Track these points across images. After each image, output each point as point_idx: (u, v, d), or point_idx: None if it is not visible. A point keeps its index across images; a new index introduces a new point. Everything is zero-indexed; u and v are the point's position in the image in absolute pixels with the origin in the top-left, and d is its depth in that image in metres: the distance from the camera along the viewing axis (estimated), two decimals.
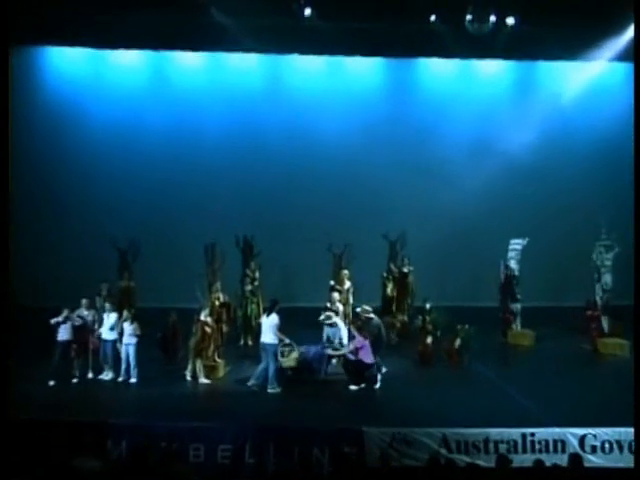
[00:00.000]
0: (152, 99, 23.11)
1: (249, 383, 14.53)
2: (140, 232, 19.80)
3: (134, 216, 22.05)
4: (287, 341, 15.01)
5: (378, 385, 14.73)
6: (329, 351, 15.06)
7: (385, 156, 22.80)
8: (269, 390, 14.38)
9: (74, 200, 22.57)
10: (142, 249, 19.34)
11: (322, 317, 15.89)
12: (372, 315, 15.57)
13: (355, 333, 15.10)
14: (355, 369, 14.76)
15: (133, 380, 15.02)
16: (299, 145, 22.82)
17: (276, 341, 14.59)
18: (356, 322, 15.64)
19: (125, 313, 15.34)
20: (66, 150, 22.70)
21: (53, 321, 14.74)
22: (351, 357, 14.80)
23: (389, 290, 19.47)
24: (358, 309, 15.94)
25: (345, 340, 15.57)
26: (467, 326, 16.62)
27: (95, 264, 20.22)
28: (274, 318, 14.66)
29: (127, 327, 15.11)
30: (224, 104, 23.04)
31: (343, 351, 15.04)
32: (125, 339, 15.13)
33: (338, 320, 15.91)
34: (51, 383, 14.57)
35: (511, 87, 23.74)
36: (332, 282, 17.72)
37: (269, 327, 14.62)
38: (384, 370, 15.16)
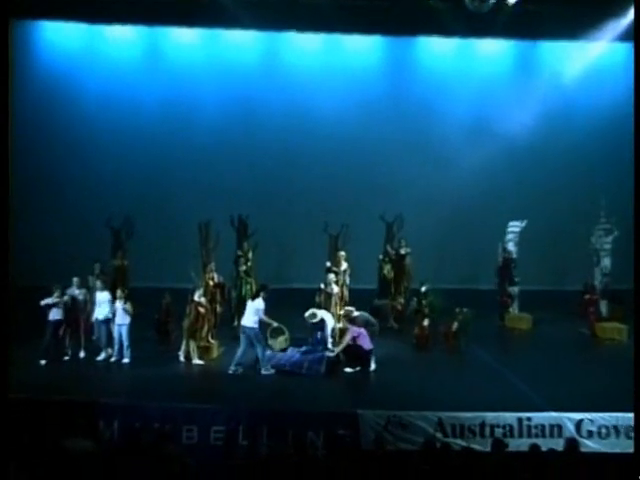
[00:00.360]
0: (148, 75, 23.00)
1: (230, 369, 14.45)
2: (134, 210, 19.72)
3: (128, 193, 22.01)
4: (275, 325, 15.07)
5: (373, 367, 14.72)
6: (329, 354, 14.92)
7: (383, 135, 22.74)
8: (263, 372, 14.36)
9: (67, 177, 22.53)
10: (136, 227, 19.23)
11: (307, 314, 15.67)
12: (356, 313, 15.63)
13: (348, 326, 15.06)
14: (353, 354, 14.75)
15: (126, 360, 15.00)
16: (296, 123, 22.73)
17: (256, 325, 14.54)
18: (345, 320, 15.59)
19: (118, 292, 15.27)
20: (60, 126, 22.59)
21: (43, 302, 14.69)
22: (350, 342, 14.79)
23: (386, 272, 19.41)
24: (341, 312, 16.00)
25: (329, 332, 15.55)
26: (464, 309, 16.60)
27: (88, 242, 20.15)
28: (259, 302, 14.61)
29: (120, 307, 15.05)
30: (220, 80, 22.93)
31: (341, 348, 14.90)
32: (118, 319, 15.08)
33: (324, 314, 15.78)
34: (42, 362, 14.55)
35: (511, 66, 23.62)
36: (328, 263, 17.66)
37: (252, 311, 14.58)
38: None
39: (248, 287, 18.08)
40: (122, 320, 15.05)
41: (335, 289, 16.78)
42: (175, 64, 22.93)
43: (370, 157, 22.72)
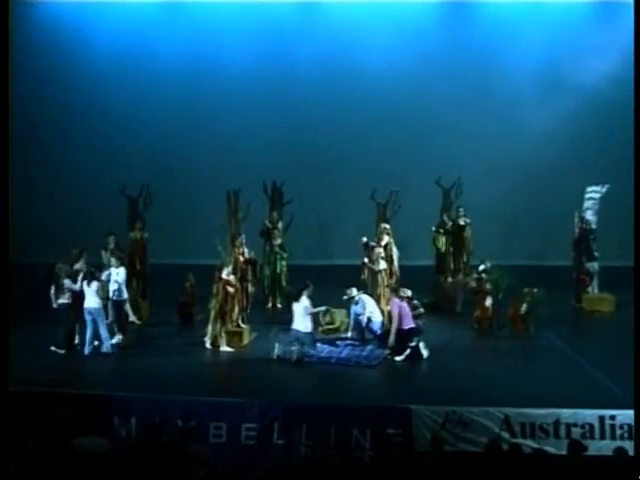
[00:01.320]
0: (166, 27, 22.82)
1: (275, 354, 14.56)
2: (152, 177, 19.69)
3: (145, 159, 22.05)
4: (323, 308, 15.25)
5: (426, 354, 14.62)
6: (384, 351, 14.90)
7: (440, 90, 22.48)
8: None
9: (77, 142, 22.58)
10: (155, 196, 19.24)
11: (345, 297, 15.83)
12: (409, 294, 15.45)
13: (392, 297, 15.12)
14: (400, 338, 14.65)
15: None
16: (337, 78, 22.52)
17: (309, 329, 14.65)
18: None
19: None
20: (67, 84, 22.56)
21: (58, 303, 14.75)
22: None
23: (441, 246, 19.25)
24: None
25: (376, 314, 15.60)
26: (534, 289, 16.39)
27: (100, 215, 20.30)
28: (305, 301, 14.65)
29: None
30: (249, 31, 22.69)
31: (393, 337, 14.80)
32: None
33: (362, 295, 15.80)
34: (61, 352, 14.64)
35: (591, 6, 23.06)
36: (365, 238, 17.46)
37: (301, 313, 14.62)
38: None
39: (284, 263, 18.05)
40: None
41: (382, 265, 16.64)
42: (198, 15, 22.77)
43: (424, 115, 22.48)
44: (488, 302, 16.51)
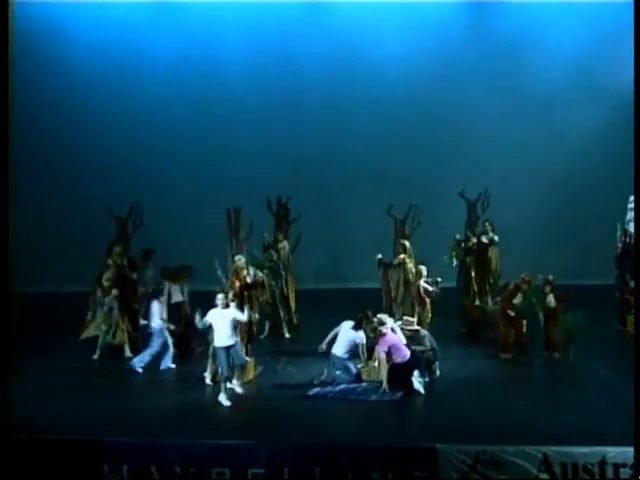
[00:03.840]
0: (158, 24, 23.09)
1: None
2: (143, 195, 19.78)
3: (135, 175, 22.12)
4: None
5: (422, 390, 14.54)
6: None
7: (463, 92, 22.70)
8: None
9: (57, 155, 22.66)
10: (145, 216, 19.32)
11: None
12: (416, 327, 15.62)
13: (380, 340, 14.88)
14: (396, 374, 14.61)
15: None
16: (347, 77, 22.75)
17: (347, 355, 14.91)
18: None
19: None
20: (48, 87, 22.72)
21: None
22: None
23: (466, 265, 19.25)
24: (398, 323, 15.83)
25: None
26: (573, 311, 16.29)
27: (87, 238, 20.36)
28: (361, 336, 14.91)
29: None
30: (249, 28, 22.91)
31: (385, 385, 14.64)
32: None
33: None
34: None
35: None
36: (379, 255, 17.48)
37: (348, 342, 14.88)
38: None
39: (291, 287, 18.12)
40: None
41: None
42: (192, 12, 22.92)
43: (446, 121, 22.64)
44: (523, 328, 16.49)
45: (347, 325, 15.03)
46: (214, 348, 14.52)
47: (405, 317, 16.01)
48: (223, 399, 14.02)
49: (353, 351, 14.92)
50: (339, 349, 14.89)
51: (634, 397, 11.16)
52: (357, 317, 15.06)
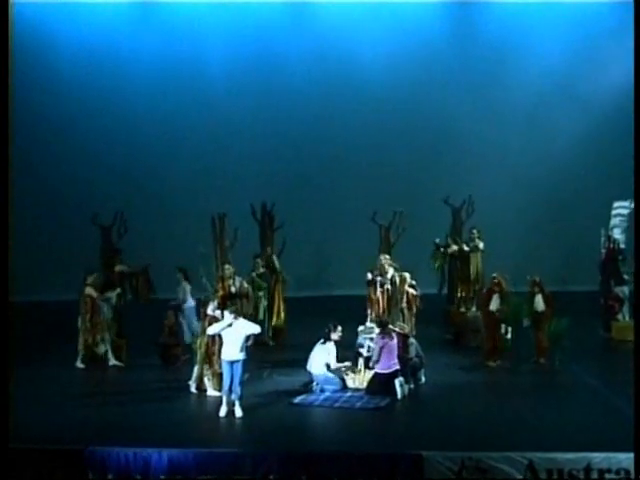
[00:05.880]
0: (139, 24, 23.06)
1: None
2: (127, 203, 19.78)
3: (118, 183, 22.07)
4: (348, 364, 15.29)
5: (400, 394, 14.55)
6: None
7: (445, 94, 22.75)
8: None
9: (40, 162, 22.61)
10: (130, 224, 19.29)
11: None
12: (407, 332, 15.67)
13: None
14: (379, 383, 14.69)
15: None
16: (332, 80, 22.74)
17: (324, 370, 14.92)
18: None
19: None
20: (28, 92, 22.60)
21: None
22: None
23: (450, 271, 19.31)
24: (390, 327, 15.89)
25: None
26: (557, 317, 16.33)
27: (71, 248, 20.35)
28: (331, 348, 14.98)
29: None
30: (232, 30, 22.91)
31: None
32: None
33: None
34: None
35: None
36: (369, 275, 17.50)
37: (322, 356, 14.92)
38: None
39: (276, 295, 18.09)
40: None
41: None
42: (173, 13, 22.91)
43: (429, 124, 22.62)
44: (508, 335, 16.53)
45: (318, 343, 15.05)
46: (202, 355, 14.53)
47: (399, 323, 15.97)
48: (222, 412, 13.86)
49: (328, 364, 14.93)
50: (316, 368, 14.91)
51: (634, 401, 11.18)
52: (328, 329, 15.11)
